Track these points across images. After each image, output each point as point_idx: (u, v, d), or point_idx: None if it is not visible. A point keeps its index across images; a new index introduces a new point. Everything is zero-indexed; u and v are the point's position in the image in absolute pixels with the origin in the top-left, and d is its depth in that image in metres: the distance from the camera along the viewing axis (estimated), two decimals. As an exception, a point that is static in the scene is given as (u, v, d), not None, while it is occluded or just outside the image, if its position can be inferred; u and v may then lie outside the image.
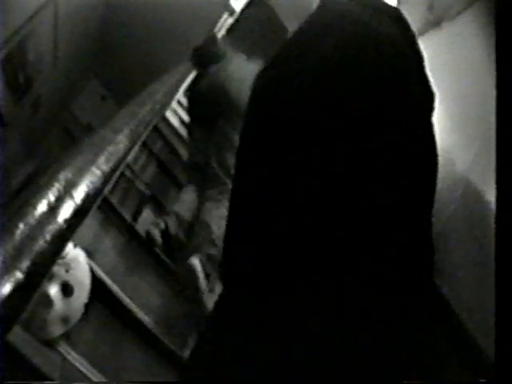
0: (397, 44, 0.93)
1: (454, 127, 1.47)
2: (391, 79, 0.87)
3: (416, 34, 1.59)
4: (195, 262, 2.02)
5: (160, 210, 2.57)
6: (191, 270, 2.00)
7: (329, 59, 0.85)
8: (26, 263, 0.55)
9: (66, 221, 0.64)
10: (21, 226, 0.59)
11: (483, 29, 1.28)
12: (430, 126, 1.00)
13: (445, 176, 1.43)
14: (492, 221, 0.89)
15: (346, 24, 0.90)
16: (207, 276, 2.04)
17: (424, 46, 1.61)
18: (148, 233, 2.13)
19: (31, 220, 0.60)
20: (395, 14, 1.01)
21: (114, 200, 2.16)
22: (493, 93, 0.93)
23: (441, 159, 1.47)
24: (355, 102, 0.81)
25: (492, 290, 0.78)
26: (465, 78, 1.39)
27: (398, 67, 0.90)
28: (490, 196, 0.94)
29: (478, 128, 1.32)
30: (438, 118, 1.55)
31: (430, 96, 1.02)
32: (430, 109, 1.01)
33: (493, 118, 0.92)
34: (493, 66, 0.96)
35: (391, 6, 1.04)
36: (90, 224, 1.89)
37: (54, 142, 4.41)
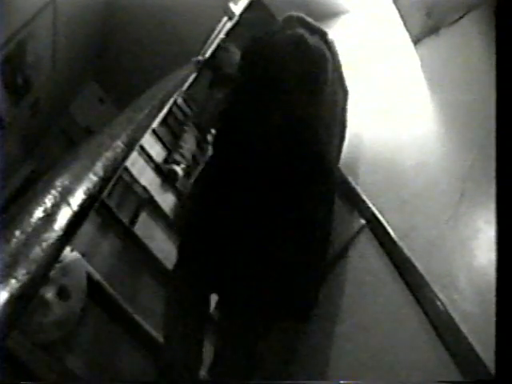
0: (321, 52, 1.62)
1: (452, 132, 1.47)
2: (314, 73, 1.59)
3: (415, 39, 1.59)
4: None
5: (158, 211, 2.57)
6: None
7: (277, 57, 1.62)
8: (21, 271, 0.55)
9: (62, 228, 0.63)
10: (17, 233, 0.59)
11: (481, 35, 1.28)
12: (343, 111, 1.72)
13: (443, 179, 1.43)
14: (493, 224, 0.88)
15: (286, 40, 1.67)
16: None
17: (422, 51, 1.61)
18: (170, 170, 2.73)
19: (27, 227, 0.60)
20: (323, 33, 1.72)
21: (112, 204, 2.15)
22: (491, 97, 0.93)
23: (440, 163, 1.47)
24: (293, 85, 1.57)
25: (493, 297, 0.78)
26: (463, 83, 1.39)
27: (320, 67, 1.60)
28: (490, 200, 0.93)
29: (476, 132, 1.31)
30: (437, 123, 1.55)
31: (345, 92, 1.71)
32: (345, 100, 1.72)
33: (491, 123, 0.92)
34: (491, 71, 0.96)
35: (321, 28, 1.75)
36: (88, 228, 1.88)
37: (53, 144, 4.41)
